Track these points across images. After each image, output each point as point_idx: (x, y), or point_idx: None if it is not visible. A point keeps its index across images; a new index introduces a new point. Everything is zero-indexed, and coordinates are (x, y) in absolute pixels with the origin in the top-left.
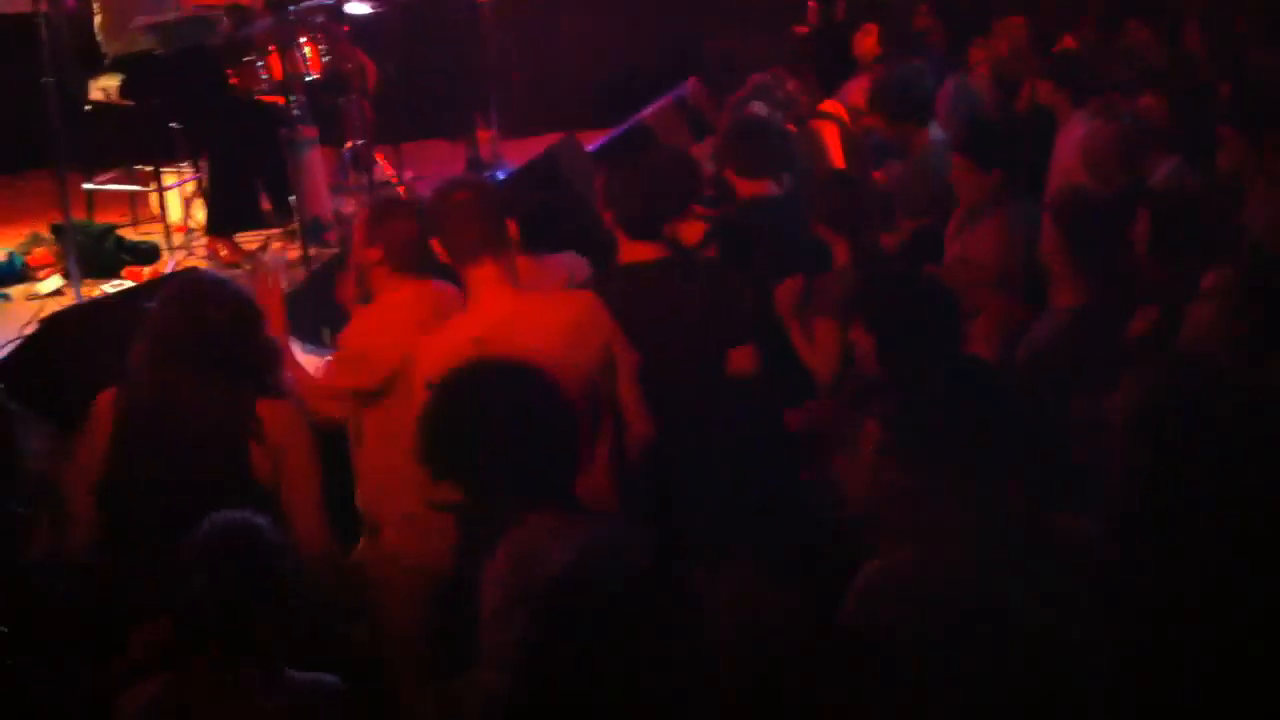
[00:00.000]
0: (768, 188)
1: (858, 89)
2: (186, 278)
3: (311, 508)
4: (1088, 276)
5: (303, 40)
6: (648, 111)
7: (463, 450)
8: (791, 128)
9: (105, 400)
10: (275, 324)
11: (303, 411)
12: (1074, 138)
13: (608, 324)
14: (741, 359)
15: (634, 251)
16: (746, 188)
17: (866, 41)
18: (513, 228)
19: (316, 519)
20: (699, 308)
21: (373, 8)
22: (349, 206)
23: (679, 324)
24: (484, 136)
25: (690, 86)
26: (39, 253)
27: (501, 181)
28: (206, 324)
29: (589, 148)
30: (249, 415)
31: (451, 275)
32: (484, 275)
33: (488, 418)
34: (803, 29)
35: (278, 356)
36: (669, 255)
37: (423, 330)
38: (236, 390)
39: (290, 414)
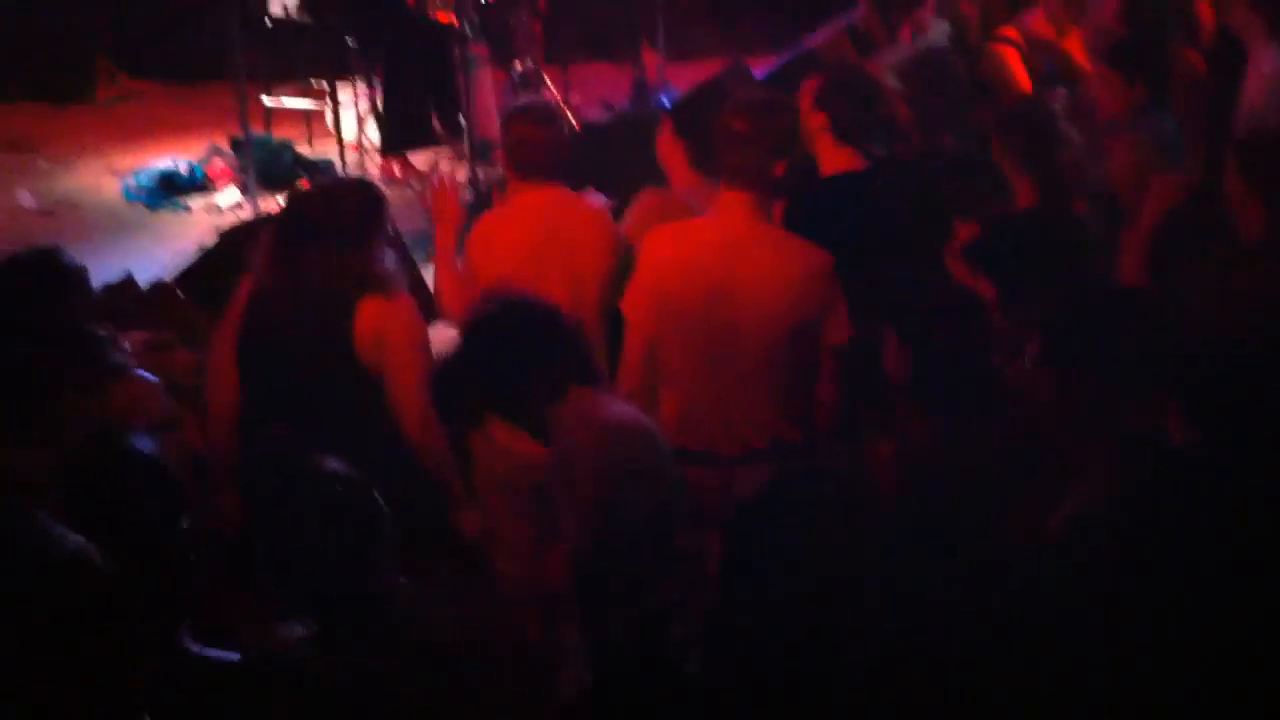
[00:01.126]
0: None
1: (1036, 16)
2: (321, 179)
3: (411, 394)
4: (1268, 213)
5: None
6: (817, 37)
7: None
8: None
9: (248, 281)
10: (448, 233)
11: (409, 305)
12: (1264, 71)
13: (834, 294)
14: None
15: (838, 160)
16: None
17: None
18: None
19: (417, 405)
20: (910, 209)
21: None
22: None
23: (895, 226)
24: (651, 60)
25: (861, 11)
26: (218, 164)
27: (669, 106)
28: (317, 220)
29: (757, 73)
30: (349, 306)
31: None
32: (734, 199)
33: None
34: None
35: (383, 255)
36: (874, 162)
37: (534, 240)
38: (339, 282)
39: (389, 306)
